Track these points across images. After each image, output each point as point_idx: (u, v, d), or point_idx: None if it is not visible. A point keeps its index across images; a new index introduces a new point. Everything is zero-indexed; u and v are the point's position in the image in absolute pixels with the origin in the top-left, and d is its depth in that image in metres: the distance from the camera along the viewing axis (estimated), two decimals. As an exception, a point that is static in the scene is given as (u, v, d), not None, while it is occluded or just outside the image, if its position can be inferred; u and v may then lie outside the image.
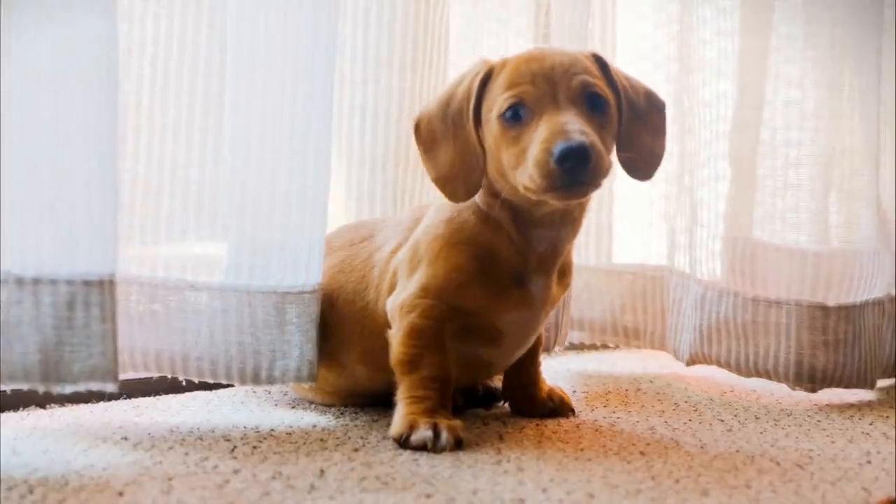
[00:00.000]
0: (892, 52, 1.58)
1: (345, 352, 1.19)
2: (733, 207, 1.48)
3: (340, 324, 1.18)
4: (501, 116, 1.05)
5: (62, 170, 0.99)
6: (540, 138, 1.01)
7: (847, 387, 1.42)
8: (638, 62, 1.61)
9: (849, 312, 1.41)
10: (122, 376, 1.26)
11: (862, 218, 1.49)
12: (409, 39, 1.38)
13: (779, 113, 1.46)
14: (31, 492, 0.87)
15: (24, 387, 0.99)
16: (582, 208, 1.14)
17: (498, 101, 1.06)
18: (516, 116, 1.05)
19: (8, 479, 0.90)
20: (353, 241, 1.24)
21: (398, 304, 1.12)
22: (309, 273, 1.16)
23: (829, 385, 1.41)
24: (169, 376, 1.17)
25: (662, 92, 1.54)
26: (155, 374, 1.17)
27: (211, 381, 1.17)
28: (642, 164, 1.13)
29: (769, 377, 1.42)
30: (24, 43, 0.97)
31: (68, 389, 0.99)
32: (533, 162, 1.01)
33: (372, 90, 1.37)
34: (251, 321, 1.15)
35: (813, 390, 1.41)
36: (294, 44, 1.14)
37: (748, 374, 1.44)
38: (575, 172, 0.99)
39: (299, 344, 1.16)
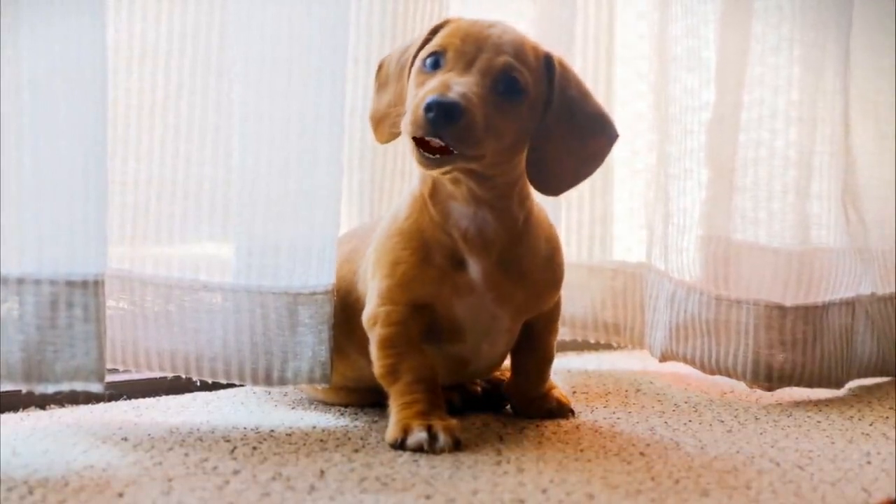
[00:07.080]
0: (892, 52, 1.58)
1: (347, 341, 1.19)
2: (708, 207, 1.47)
3: (342, 312, 1.19)
4: (423, 60, 1.07)
5: (47, 171, 0.98)
6: (426, 87, 1.03)
7: (809, 386, 1.42)
8: (634, 61, 1.60)
9: (807, 312, 1.41)
10: (127, 377, 1.28)
11: (828, 219, 1.48)
12: (387, 37, 1.37)
13: (755, 113, 1.46)
14: (31, 492, 0.87)
15: (8, 386, 0.99)
16: (496, 192, 1.10)
17: (427, 47, 1.08)
18: (434, 64, 1.06)
19: (8, 479, 0.90)
20: (362, 234, 1.24)
21: (366, 317, 1.13)
22: (321, 273, 1.16)
23: (788, 384, 1.41)
24: (170, 376, 1.17)
25: (650, 92, 1.57)
26: (170, 374, 1.17)
27: (224, 381, 1.17)
28: (546, 177, 1.10)
29: (729, 375, 1.43)
30: (8, 42, 0.96)
31: (51, 389, 0.99)
32: (411, 106, 1.03)
33: (350, 88, 1.34)
34: (263, 322, 1.15)
35: (770, 389, 1.41)
36: (303, 41, 1.13)
37: (711, 372, 1.44)
38: (436, 125, 0.99)
39: (311, 345, 1.16)
